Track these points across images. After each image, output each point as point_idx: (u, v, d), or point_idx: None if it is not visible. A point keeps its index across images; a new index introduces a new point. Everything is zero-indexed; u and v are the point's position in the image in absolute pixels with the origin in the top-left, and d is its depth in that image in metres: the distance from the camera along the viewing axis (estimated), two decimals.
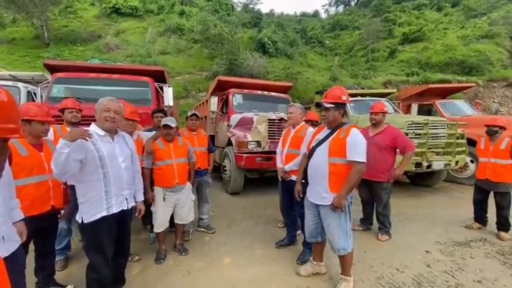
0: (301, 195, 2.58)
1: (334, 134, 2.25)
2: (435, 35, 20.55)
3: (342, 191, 2.14)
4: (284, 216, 3.62)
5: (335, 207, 2.16)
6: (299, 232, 3.36)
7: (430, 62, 16.73)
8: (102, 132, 1.91)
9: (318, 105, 2.44)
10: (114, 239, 2.00)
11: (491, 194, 3.62)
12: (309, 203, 2.42)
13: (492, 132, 3.53)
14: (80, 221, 1.87)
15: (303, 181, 2.54)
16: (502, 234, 3.47)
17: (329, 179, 2.21)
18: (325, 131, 2.36)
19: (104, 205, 1.89)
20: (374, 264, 2.80)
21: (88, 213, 1.85)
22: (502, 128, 3.50)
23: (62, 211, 2.26)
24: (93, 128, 1.91)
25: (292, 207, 3.18)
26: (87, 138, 1.73)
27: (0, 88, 0.71)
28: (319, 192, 2.27)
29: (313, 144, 2.39)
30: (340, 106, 2.27)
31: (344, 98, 2.27)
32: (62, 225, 2.65)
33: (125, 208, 2.03)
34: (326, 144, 2.26)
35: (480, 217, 3.76)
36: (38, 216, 1.99)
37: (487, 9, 22.12)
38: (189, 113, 3.47)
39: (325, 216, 2.28)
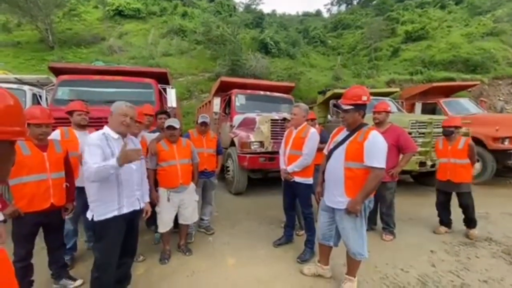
0: (320, 198, 2.51)
1: (352, 137, 2.15)
2: (439, 33, 20.35)
3: (357, 196, 2.07)
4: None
5: (349, 211, 2.12)
6: (302, 232, 3.37)
7: (434, 60, 16.55)
8: (116, 135, 1.96)
9: (336, 106, 2.34)
10: (123, 239, 2.04)
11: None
12: (324, 206, 2.38)
13: (448, 132, 3.52)
14: (90, 219, 1.91)
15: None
16: (471, 232, 3.49)
17: (345, 183, 2.14)
18: (344, 133, 2.27)
19: (116, 205, 1.94)
20: (379, 264, 2.79)
21: (98, 212, 1.90)
22: (458, 128, 3.52)
23: (68, 209, 2.33)
24: (106, 131, 1.96)
25: (293, 207, 3.19)
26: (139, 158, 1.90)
27: (6, 92, 0.71)
28: (335, 196, 2.22)
29: (331, 146, 2.33)
30: (360, 107, 2.13)
31: (364, 98, 2.12)
32: (68, 226, 2.68)
33: (137, 208, 2.09)
34: (343, 147, 2.18)
35: (445, 218, 3.72)
36: (39, 212, 2.09)
37: (492, 6, 21.85)
38: (200, 120, 3.39)
39: (340, 219, 2.24)
